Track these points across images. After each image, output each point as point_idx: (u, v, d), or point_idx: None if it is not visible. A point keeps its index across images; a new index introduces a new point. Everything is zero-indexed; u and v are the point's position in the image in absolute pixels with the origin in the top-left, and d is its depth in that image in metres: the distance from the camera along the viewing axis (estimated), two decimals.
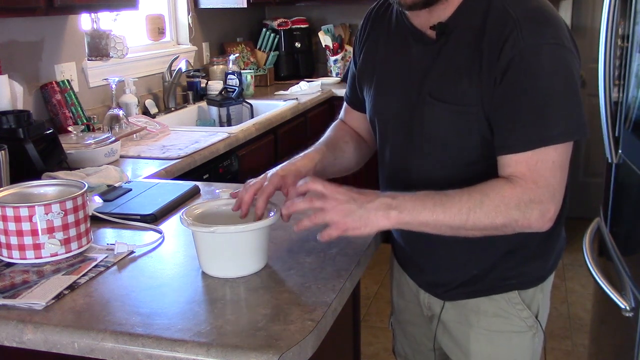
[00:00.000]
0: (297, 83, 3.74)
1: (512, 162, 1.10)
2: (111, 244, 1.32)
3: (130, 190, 1.69)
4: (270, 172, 1.29)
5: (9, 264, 1.24)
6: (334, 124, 1.53)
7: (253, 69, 3.89)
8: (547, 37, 1.09)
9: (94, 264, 1.24)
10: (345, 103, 1.52)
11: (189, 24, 3.55)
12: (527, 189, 1.08)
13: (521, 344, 1.31)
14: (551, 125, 1.08)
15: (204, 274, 1.19)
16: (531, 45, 1.08)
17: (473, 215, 1.08)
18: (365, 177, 2.01)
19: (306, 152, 1.38)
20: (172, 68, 3.17)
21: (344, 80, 4.19)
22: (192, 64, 3.44)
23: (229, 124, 3.06)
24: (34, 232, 1.21)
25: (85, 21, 2.66)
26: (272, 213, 1.19)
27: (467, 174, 1.18)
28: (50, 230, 1.22)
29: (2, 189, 1.32)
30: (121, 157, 2.23)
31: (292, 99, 3.38)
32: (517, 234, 1.21)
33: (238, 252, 1.16)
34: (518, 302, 1.29)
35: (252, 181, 1.26)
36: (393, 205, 1.09)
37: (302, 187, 1.13)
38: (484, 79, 1.12)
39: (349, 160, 1.46)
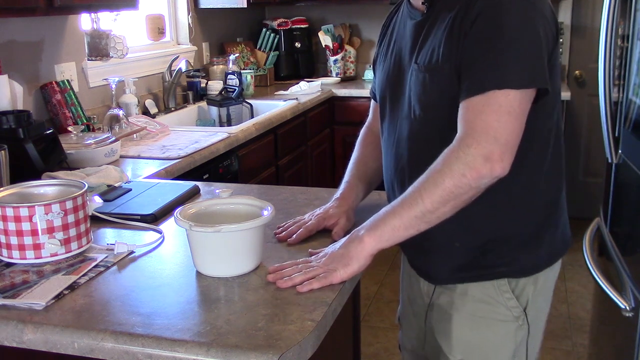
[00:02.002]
0: (297, 83, 3.74)
1: (463, 109, 1.13)
2: (111, 244, 1.32)
3: (130, 190, 1.69)
4: (315, 213, 1.41)
5: (9, 264, 1.24)
6: (361, 133, 1.58)
7: (253, 69, 3.89)
8: None
9: (94, 264, 1.24)
10: (372, 102, 1.58)
11: (189, 24, 3.55)
12: (465, 138, 1.10)
13: (504, 334, 1.30)
14: (505, 72, 1.10)
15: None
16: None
17: (426, 194, 1.11)
18: None
19: (342, 193, 1.44)
20: (172, 68, 3.17)
21: (344, 80, 4.20)
22: (192, 64, 3.44)
23: (229, 124, 3.06)
24: (34, 232, 1.21)
25: (85, 21, 2.66)
26: (268, 209, 1.19)
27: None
28: (50, 230, 1.22)
29: (2, 189, 1.32)
30: (121, 157, 2.23)
31: (292, 99, 3.38)
32: (507, 220, 1.24)
33: (238, 250, 1.17)
34: (507, 291, 1.28)
35: (300, 217, 1.42)
36: (360, 231, 1.17)
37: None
38: (455, 35, 1.16)
39: (378, 175, 1.50)
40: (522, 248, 1.28)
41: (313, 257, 1.20)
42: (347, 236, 1.19)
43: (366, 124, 1.58)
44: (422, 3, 1.26)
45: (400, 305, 1.57)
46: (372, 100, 1.56)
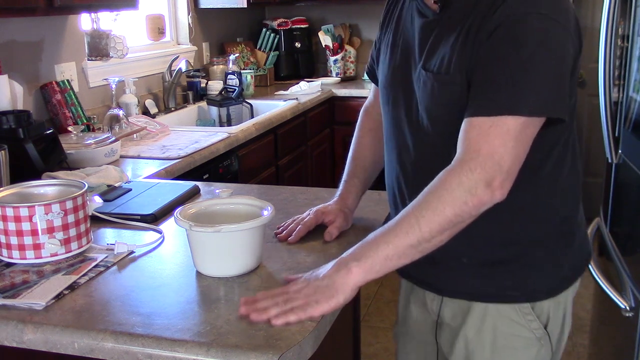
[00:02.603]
0: (297, 83, 3.74)
1: (468, 126, 1.06)
2: (111, 244, 1.32)
3: (130, 190, 1.69)
4: (314, 209, 1.39)
5: (9, 264, 1.24)
6: (359, 118, 1.52)
7: (253, 69, 3.89)
8: (540, 6, 1.05)
9: (94, 264, 1.24)
10: (372, 85, 1.51)
11: (189, 24, 3.55)
12: (468, 161, 1.03)
13: (527, 358, 1.25)
14: (519, 96, 1.03)
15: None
16: (520, 13, 1.04)
17: (423, 221, 1.03)
18: None
19: (341, 193, 1.43)
20: (172, 68, 3.17)
21: (345, 80, 4.20)
22: (192, 64, 3.44)
23: (229, 124, 3.06)
24: (34, 232, 1.21)
25: (85, 21, 2.66)
26: (268, 209, 1.19)
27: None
28: (50, 230, 1.22)
29: (2, 189, 1.32)
30: (121, 157, 2.23)
31: (292, 99, 3.38)
32: (520, 236, 1.19)
33: (238, 250, 1.17)
34: (528, 313, 1.22)
35: (298, 216, 1.39)
36: (348, 259, 1.06)
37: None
38: (469, 45, 1.09)
39: (377, 164, 1.46)
40: (535, 269, 1.22)
41: (291, 285, 1.08)
42: (333, 263, 1.08)
43: (365, 106, 1.52)
44: (435, 2, 1.17)
45: (398, 325, 1.49)
46: (373, 83, 1.50)
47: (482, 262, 1.22)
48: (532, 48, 1.03)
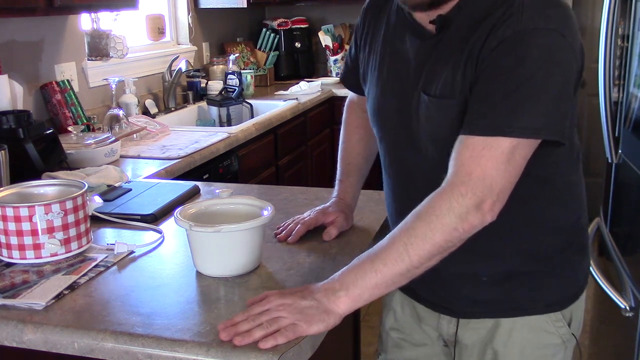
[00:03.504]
0: (297, 83, 3.73)
1: (460, 145, 1.02)
2: (111, 244, 1.32)
3: (130, 190, 1.69)
4: (314, 209, 1.39)
5: (9, 264, 1.24)
6: (345, 113, 1.49)
7: (253, 69, 3.89)
8: (548, 21, 1.01)
9: (94, 264, 1.24)
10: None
11: (189, 24, 3.55)
12: (459, 185, 1.00)
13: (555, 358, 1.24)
14: (515, 116, 0.99)
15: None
16: (527, 28, 1.00)
17: (412, 249, 1.00)
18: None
19: (339, 193, 1.42)
20: (172, 68, 3.17)
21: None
22: (192, 64, 3.44)
23: (229, 124, 3.06)
24: (34, 232, 1.21)
25: (85, 21, 2.65)
26: (268, 209, 1.19)
27: None
28: (50, 230, 1.22)
29: (2, 189, 1.32)
30: (121, 157, 2.23)
31: (292, 99, 3.38)
32: (535, 254, 1.16)
33: (238, 250, 1.16)
34: (559, 319, 1.20)
35: (298, 216, 1.39)
36: (336, 287, 1.01)
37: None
38: (474, 63, 1.05)
39: (368, 161, 1.46)
40: (559, 276, 1.20)
41: (265, 302, 1.01)
42: (320, 286, 1.03)
43: (348, 102, 1.48)
44: (431, 22, 1.11)
45: (388, 353, 1.40)
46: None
47: (503, 278, 1.18)
48: (534, 66, 1.00)
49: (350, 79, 1.40)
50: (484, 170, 1.00)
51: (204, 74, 3.44)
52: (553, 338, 1.21)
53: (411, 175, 1.22)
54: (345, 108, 1.50)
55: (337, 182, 1.45)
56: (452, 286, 1.19)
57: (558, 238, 1.19)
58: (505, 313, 1.20)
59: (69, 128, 2.28)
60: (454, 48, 1.09)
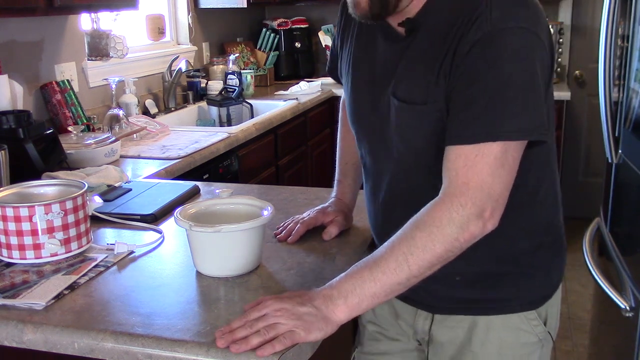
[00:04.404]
0: (297, 83, 3.73)
1: (452, 155, 1.02)
2: (111, 244, 1.32)
3: (130, 190, 1.69)
4: (314, 209, 1.39)
5: (9, 264, 1.24)
6: (340, 125, 1.50)
7: (253, 69, 3.89)
8: (518, 20, 1.00)
9: (94, 264, 1.24)
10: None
11: (189, 24, 3.55)
12: (458, 196, 0.99)
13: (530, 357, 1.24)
14: (501, 120, 0.99)
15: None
16: (498, 29, 0.99)
17: (412, 259, 0.99)
18: None
19: (337, 193, 1.42)
20: (172, 68, 3.17)
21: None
22: (192, 64, 3.44)
23: (229, 124, 3.06)
24: (34, 232, 1.21)
25: (85, 21, 2.65)
26: (268, 209, 1.19)
27: (437, 184, 1.07)
28: (50, 230, 1.22)
29: (2, 189, 1.32)
30: (121, 157, 2.23)
31: (292, 99, 3.38)
32: (509, 256, 1.17)
33: (238, 250, 1.16)
34: (534, 318, 1.21)
35: (298, 216, 1.39)
36: (335, 295, 1.00)
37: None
38: (447, 70, 1.03)
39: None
40: (533, 277, 1.21)
41: (262, 307, 0.99)
42: (319, 292, 1.01)
43: (343, 100, 1.47)
44: (399, 25, 1.10)
45: (364, 346, 1.40)
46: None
47: (476, 279, 1.19)
48: (509, 67, 0.99)
49: (334, 70, 1.40)
50: (480, 178, 0.99)
51: (204, 74, 3.44)
52: (529, 337, 1.22)
53: (384, 176, 1.21)
54: (340, 107, 1.50)
55: (335, 182, 1.45)
56: (427, 285, 1.15)
57: (529, 240, 1.19)
58: (480, 311, 1.21)
59: (69, 128, 2.28)
60: (425, 53, 1.08)
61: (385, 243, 1.03)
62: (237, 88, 3.17)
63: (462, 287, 1.20)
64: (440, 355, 1.26)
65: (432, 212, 1.01)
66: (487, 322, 1.21)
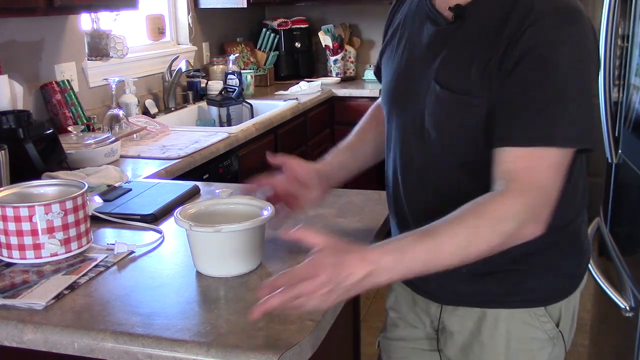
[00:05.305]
0: (297, 83, 3.74)
1: (511, 157, 1.04)
2: (111, 244, 1.32)
3: (130, 190, 1.69)
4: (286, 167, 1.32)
5: (9, 264, 1.24)
6: (372, 106, 1.48)
7: (253, 69, 3.89)
8: (571, 33, 1.03)
9: (94, 264, 1.24)
10: None
11: (189, 24, 3.55)
12: (521, 194, 1.01)
13: (542, 355, 1.25)
14: (558, 126, 1.02)
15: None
16: (553, 39, 1.02)
17: (471, 248, 1.01)
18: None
19: (334, 163, 1.37)
20: (172, 68, 3.17)
21: (345, 80, 4.20)
22: (192, 64, 3.44)
23: (229, 124, 3.06)
24: (34, 232, 1.21)
25: (85, 21, 2.66)
26: (269, 209, 1.19)
27: (471, 173, 1.13)
28: (50, 230, 1.22)
29: (2, 189, 1.32)
30: (121, 157, 2.23)
31: (292, 99, 3.38)
32: (524, 250, 1.14)
33: (238, 250, 1.17)
34: (542, 314, 1.22)
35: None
36: (376, 272, 0.96)
37: (294, 234, 1.01)
38: (495, 69, 1.06)
39: (374, 151, 1.41)
40: (548, 273, 1.21)
41: (321, 271, 0.95)
42: (360, 254, 0.98)
43: (378, 102, 1.45)
44: (449, 9, 1.12)
45: (387, 331, 1.43)
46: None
47: (484, 273, 1.19)
48: (567, 73, 1.02)
49: (378, 72, 1.40)
50: (541, 182, 1.02)
51: (204, 74, 3.44)
52: (538, 333, 1.23)
53: (411, 158, 1.22)
54: (374, 105, 1.47)
55: (336, 150, 1.39)
56: (436, 276, 1.15)
57: (542, 239, 1.16)
58: (488, 304, 1.22)
59: (69, 128, 2.28)
60: (473, 43, 1.10)
61: (450, 219, 1.01)
62: (237, 88, 3.18)
63: (469, 280, 1.20)
64: (451, 344, 1.28)
65: (495, 204, 1.02)
66: (496, 314, 1.22)
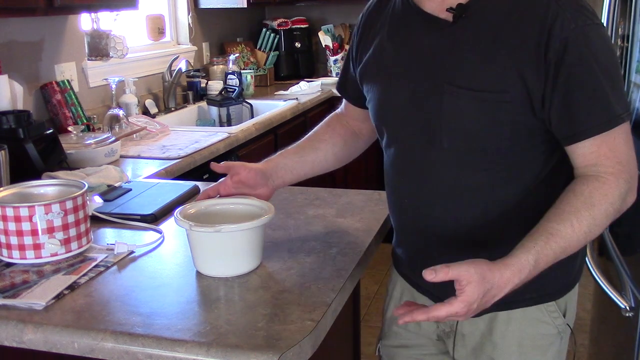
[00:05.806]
0: (297, 83, 3.74)
1: (592, 147, 1.08)
2: (111, 244, 1.32)
3: (130, 190, 1.69)
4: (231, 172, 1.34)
5: (9, 264, 1.24)
6: (328, 117, 1.51)
7: (253, 69, 3.89)
8: (592, 17, 1.07)
9: (94, 264, 1.24)
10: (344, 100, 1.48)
11: (189, 24, 3.55)
12: (618, 174, 1.08)
13: (553, 353, 1.26)
14: (615, 105, 1.08)
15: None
16: (582, 27, 1.05)
17: (590, 236, 1.08)
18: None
19: (280, 166, 1.39)
20: (172, 68, 3.17)
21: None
22: (192, 64, 3.44)
23: (229, 124, 3.06)
24: (34, 232, 1.21)
25: (85, 21, 2.66)
26: (269, 209, 1.19)
27: (489, 173, 1.14)
28: (50, 230, 1.22)
29: (2, 189, 1.32)
30: (121, 157, 2.23)
31: (292, 99, 3.38)
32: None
33: (238, 250, 1.17)
34: (554, 310, 1.24)
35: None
36: (515, 286, 1.03)
37: (440, 276, 1.01)
38: (526, 62, 1.06)
39: (323, 160, 1.43)
40: (555, 268, 1.17)
41: (471, 302, 1.00)
42: (503, 278, 1.02)
43: (337, 112, 1.49)
44: (448, 10, 1.11)
45: (388, 339, 1.41)
46: (344, 100, 1.47)
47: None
48: (604, 57, 1.08)
49: (344, 84, 1.44)
50: (626, 156, 1.09)
51: (204, 74, 3.44)
52: (549, 328, 1.24)
53: (426, 169, 1.19)
54: (331, 115, 1.51)
55: (284, 152, 1.42)
56: (450, 282, 1.17)
57: None
58: (499, 307, 1.18)
59: (69, 128, 2.28)
60: (487, 38, 1.09)
61: (565, 216, 1.06)
62: (237, 88, 3.18)
63: None
64: (463, 347, 1.28)
65: (601, 190, 1.07)
66: (508, 314, 1.23)
